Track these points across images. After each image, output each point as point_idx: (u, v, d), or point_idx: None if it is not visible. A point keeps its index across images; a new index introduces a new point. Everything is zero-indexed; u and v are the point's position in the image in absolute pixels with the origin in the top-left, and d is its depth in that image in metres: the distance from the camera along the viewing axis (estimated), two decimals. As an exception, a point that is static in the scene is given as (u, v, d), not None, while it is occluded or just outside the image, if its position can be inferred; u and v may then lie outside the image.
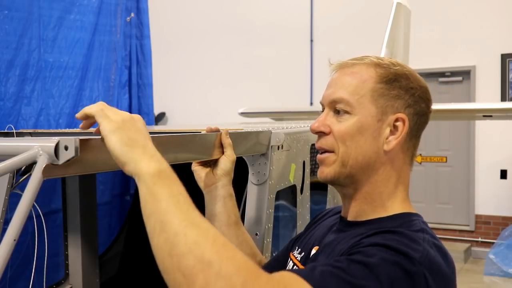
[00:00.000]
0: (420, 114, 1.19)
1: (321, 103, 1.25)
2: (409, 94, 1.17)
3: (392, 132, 1.16)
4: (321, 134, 1.20)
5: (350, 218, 1.21)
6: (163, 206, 0.90)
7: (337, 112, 1.18)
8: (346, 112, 1.17)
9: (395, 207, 1.16)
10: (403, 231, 1.04)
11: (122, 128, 0.99)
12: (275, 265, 1.42)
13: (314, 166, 2.45)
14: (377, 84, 1.17)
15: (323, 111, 1.23)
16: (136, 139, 0.99)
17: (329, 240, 1.21)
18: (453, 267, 1.08)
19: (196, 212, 0.92)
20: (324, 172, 1.19)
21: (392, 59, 1.23)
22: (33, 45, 2.83)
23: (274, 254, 1.70)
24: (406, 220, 1.12)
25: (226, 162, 1.44)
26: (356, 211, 1.19)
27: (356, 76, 1.18)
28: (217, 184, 1.45)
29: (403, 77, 1.18)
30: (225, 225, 1.45)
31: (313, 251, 1.26)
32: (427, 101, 1.21)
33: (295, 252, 1.37)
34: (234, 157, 1.46)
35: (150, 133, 1.05)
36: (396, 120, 1.16)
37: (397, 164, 1.18)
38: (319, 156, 1.21)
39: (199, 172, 1.48)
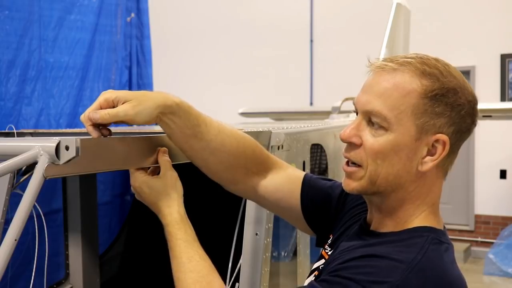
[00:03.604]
0: (463, 131, 1.09)
1: (354, 104, 1.13)
2: (455, 112, 1.06)
3: (429, 152, 1.07)
4: (351, 144, 1.11)
5: (372, 227, 1.15)
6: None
7: (371, 123, 1.08)
8: (382, 128, 1.06)
9: (415, 222, 1.10)
10: (387, 256, 1.00)
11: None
12: (309, 191, 1.38)
13: (314, 166, 2.46)
14: (420, 100, 1.04)
15: (356, 113, 1.13)
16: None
17: (346, 245, 1.16)
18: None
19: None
20: (350, 186, 1.12)
21: (441, 64, 1.08)
22: (34, 45, 2.83)
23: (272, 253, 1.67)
24: (414, 236, 1.06)
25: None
26: (379, 223, 1.14)
27: (398, 87, 1.05)
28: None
29: (451, 92, 1.05)
30: (183, 143, 1.27)
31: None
32: (473, 116, 1.09)
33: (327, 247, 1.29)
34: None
35: (150, 133, 1.06)
36: (436, 140, 1.06)
37: (429, 180, 1.10)
38: (345, 167, 1.13)
39: None
